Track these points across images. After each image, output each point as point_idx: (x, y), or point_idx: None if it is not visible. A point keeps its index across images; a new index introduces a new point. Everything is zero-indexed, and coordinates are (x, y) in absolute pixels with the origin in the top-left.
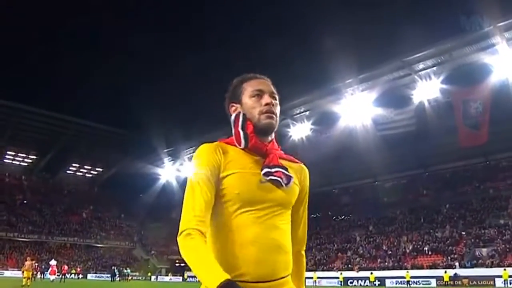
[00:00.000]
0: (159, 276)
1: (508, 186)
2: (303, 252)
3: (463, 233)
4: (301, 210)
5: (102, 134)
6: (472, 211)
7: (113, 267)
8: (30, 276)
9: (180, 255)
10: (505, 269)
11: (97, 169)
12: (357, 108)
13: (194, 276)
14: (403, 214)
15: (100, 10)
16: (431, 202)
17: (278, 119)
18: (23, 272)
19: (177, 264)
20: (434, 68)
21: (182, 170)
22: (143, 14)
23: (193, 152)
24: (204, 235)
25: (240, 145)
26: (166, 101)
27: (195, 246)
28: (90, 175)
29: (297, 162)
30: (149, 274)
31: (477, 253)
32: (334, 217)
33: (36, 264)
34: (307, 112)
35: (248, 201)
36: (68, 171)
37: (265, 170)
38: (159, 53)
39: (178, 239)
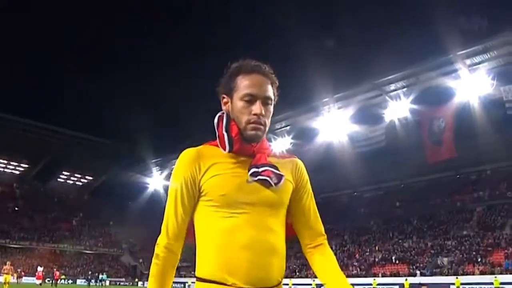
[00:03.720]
0: (145, 282)
1: (474, 199)
2: (325, 242)
3: (429, 243)
4: (305, 198)
5: (91, 145)
6: (439, 223)
7: (89, 272)
8: (9, 280)
9: None
10: (457, 277)
11: (87, 177)
12: (334, 124)
13: (180, 282)
14: (377, 224)
15: (87, 19)
16: (403, 213)
17: (267, 127)
18: (3, 275)
19: None
20: (404, 90)
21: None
22: (131, 22)
23: None
24: (174, 254)
25: (224, 150)
26: (154, 112)
27: (155, 275)
28: (80, 183)
29: (289, 157)
30: (136, 280)
31: (438, 262)
32: None
33: (19, 269)
34: (288, 127)
35: (235, 203)
36: (59, 179)
37: (253, 170)
38: (147, 63)
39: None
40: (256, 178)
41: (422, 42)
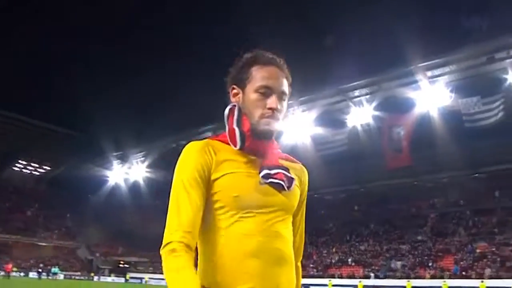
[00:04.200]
0: (101, 277)
1: (429, 206)
2: (299, 264)
3: (385, 247)
4: (299, 217)
5: (50, 134)
6: (395, 227)
7: (41, 265)
8: None
9: (123, 256)
10: (408, 281)
11: (44, 167)
12: (298, 127)
13: (137, 278)
14: (336, 226)
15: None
16: (362, 217)
17: (281, 122)
18: None
19: (120, 265)
20: (367, 96)
21: (131, 173)
22: (94, 11)
23: (143, 157)
24: (191, 250)
25: (235, 146)
26: (116, 104)
27: (179, 267)
28: (37, 173)
29: (297, 162)
30: (92, 274)
31: (392, 266)
32: None
33: None
34: None
35: (247, 206)
36: (14, 168)
37: (264, 171)
38: (111, 55)
39: (161, 252)
40: (268, 181)
41: (387, 52)
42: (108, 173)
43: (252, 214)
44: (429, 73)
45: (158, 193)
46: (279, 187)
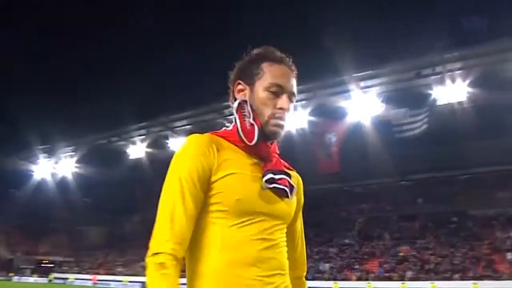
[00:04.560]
0: (22, 277)
1: (358, 211)
2: (304, 278)
3: (314, 249)
4: (298, 225)
5: None
6: (325, 230)
7: None
8: None
9: (46, 255)
10: (335, 283)
11: None
12: None
13: (61, 278)
14: None
15: None
16: None
17: (287, 125)
18: None
19: (42, 265)
20: (303, 102)
21: (58, 168)
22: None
23: (72, 152)
24: (180, 262)
25: (250, 141)
26: (44, 97)
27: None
28: None
29: (293, 170)
30: (12, 274)
31: (320, 268)
32: None
33: None
34: (189, 127)
35: (249, 211)
36: None
37: (269, 175)
38: (37, 44)
39: (147, 261)
40: (271, 186)
41: (323, 60)
42: (33, 167)
43: (253, 220)
44: (362, 84)
45: (88, 189)
46: (282, 194)
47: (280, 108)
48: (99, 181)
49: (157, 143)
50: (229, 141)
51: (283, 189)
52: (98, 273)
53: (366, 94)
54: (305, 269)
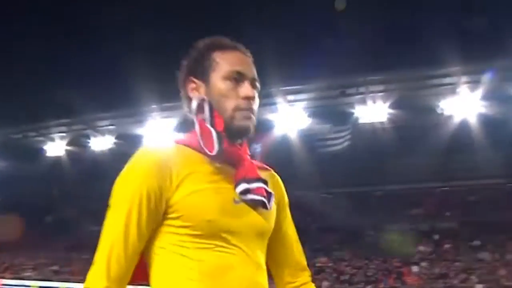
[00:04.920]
0: None
1: None
2: (310, 279)
3: None
4: (286, 225)
5: None
6: None
7: None
8: None
9: None
10: None
11: None
12: (159, 132)
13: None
14: None
15: None
16: None
17: (256, 117)
18: None
19: None
20: None
21: None
22: None
23: None
24: None
25: (211, 151)
26: None
27: None
28: None
29: (269, 170)
30: None
31: None
32: None
33: None
34: (112, 127)
35: (224, 231)
36: None
37: (242, 186)
38: None
39: None
40: (247, 198)
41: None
42: None
43: (230, 241)
44: (289, 97)
45: None
46: (259, 205)
47: (245, 97)
48: (12, 176)
49: (78, 142)
50: (193, 149)
51: (260, 200)
52: (3, 277)
53: (293, 107)
54: (309, 271)
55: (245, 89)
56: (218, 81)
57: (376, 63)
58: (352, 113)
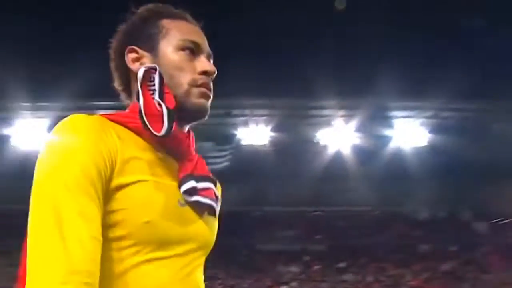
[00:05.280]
0: None
1: None
2: None
3: None
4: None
5: None
6: None
7: None
8: None
9: None
10: None
11: None
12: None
13: None
14: None
15: None
16: None
17: (211, 97)
18: None
19: None
20: None
21: None
22: None
23: None
24: None
25: (158, 131)
26: None
27: None
28: None
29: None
30: None
31: None
32: None
33: None
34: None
35: (161, 240)
36: None
37: (189, 184)
38: None
39: None
40: (192, 199)
41: None
42: None
43: (167, 254)
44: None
45: None
46: (205, 210)
47: (203, 72)
48: None
49: None
50: (130, 129)
51: (208, 204)
52: None
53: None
54: None
55: (203, 63)
56: (170, 51)
57: (260, 88)
58: (235, 135)
